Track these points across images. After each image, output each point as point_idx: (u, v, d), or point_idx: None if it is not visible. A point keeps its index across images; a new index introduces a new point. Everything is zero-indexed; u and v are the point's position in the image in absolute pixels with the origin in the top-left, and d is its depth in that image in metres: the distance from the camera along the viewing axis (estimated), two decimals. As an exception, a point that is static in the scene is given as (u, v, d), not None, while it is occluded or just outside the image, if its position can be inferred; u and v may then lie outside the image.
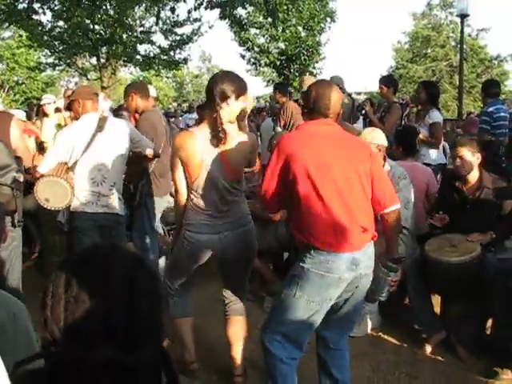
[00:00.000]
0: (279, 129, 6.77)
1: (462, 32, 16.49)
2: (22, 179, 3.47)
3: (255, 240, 3.40)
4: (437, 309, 4.17)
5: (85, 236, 4.00)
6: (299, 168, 2.69)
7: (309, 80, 6.20)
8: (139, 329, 1.12)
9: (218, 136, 3.06)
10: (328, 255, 2.68)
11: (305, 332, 2.84)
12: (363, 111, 6.88)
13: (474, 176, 4.15)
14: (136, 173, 4.71)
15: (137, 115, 5.13)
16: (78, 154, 4.00)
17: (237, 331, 3.53)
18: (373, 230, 2.84)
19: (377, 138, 4.30)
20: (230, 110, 3.07)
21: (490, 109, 6.45)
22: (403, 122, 6.58)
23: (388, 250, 3.10)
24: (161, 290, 1.24)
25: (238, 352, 3.51)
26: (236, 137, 3.17)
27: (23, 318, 1.73)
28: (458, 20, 17.75)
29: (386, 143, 4.37)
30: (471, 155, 4.07)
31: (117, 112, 6.70)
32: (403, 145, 5.05)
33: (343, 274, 2.69)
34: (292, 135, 2.99)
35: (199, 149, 3.11)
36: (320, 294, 2.72)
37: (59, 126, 6.81)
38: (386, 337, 4.21)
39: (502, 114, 6.51)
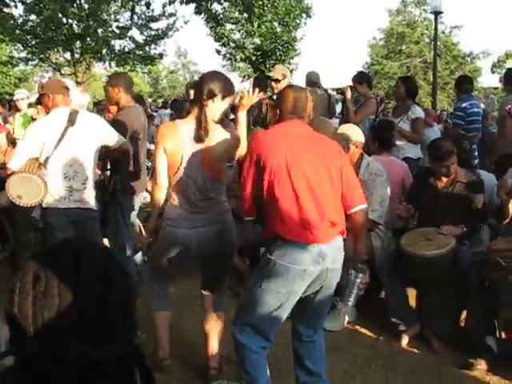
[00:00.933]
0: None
1: (435, 29, 16.70)
2: None
3: (233, 238, 3.40)
4: (412, 302, 4.21)
5: (59, 232, 3.93)
6: (274, 162, 2.74)
7: (282, 69, 6.19)
8: (111, 324, 1.09)
9: (200, 132, 3.09)
10: (295, 247, 2.70)
11: (272, 323, 2.86)
12: (341, 95, 6.78)
13: (452, 172, 4.18)
14: (111, 167, 4.68)
15: (114, 108, 5.07)
16: (49, 149, 3.94)
17: (214, 326, 3.53)
18: (342, 225, 2.86)
19: (355, 134, 4.33)
20: (214, 109, 3.12)
21: (464, 104, 6.53)
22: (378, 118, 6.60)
23: (355, 250, 3.15)
24: (133, 285, 1.21)
25: (214, 347, 3.52)
26: (218, 134, 3.18)
27: None
28: (432, 17, 17.91)
29: (363, 139, 4.40)
30: (454, 159, 4.10)
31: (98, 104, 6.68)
32: (379, 140, 5.07)
33: (308, 266, 2.71)
34: (265, 133, 3.06)
35: (182, 141, 3.13)
36: (285, 286, 2.74)
37: (26, 121, 6.70)
38: (362, 330, 4.24)
39: (476, 110, 6.61)
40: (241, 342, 2.88)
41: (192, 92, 3.38)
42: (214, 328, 3.52)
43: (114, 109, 5.49)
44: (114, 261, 1.17)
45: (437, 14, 16.14)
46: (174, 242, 3.31)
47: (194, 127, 3.13)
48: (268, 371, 2.96)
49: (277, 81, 5.90)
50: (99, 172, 4.82)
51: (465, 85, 6.84)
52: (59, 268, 1.10)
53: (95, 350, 1.05)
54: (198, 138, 3.11)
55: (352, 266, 3.08)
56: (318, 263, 2.73)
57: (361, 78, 6.54)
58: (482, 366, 3.59)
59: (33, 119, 6.30)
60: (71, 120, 4.00)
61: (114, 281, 1.13)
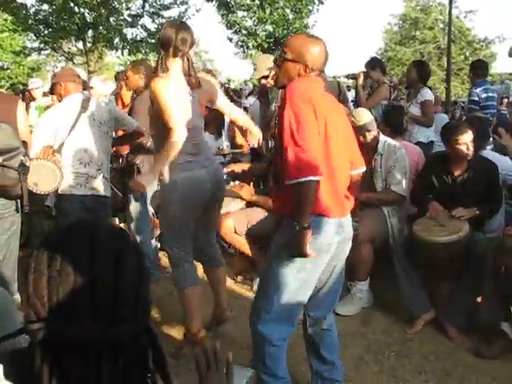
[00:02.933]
0: None
1: (450, 14, 16.54)
2: (28, 163, 3.42)
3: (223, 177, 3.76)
4: (426, 288, 4.18)
5: (72, 218, 3.96)
6: (326, 131, 2.61)
7: (265, 62, 5.29)
8: (125, 304, 1.10)
9: (192, 80, 3.38)
10: (319, 220, 2.64)
11: (298, 304, 2.80)
12: (353, 80, 6.72)
13: (466, 160, 4.13)
14: (131, 151, 4.72)
15: (128, 93, 5.11)
16: (63, 136, 3.97)
17: (219, 280, 3.81)
18: (352, 197, 2.86)
19: (366, 120, 4.35)
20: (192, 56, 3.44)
21: (479, 89, 6.47)
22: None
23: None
24: (147, 266, 1.21)
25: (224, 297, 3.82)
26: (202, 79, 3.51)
27: (6, 304, 1.70)
28: (446, 2, 17.70)
29: (371, 120, 4.43)
30: (471, 140, 4.05)
31: None
32: (391, 125, 5.02)
33: (332, 239, 2.69)
34: (315, 94, 2.69)
35: (174, 92, 3.28)
36: (311, 261, 2.65)
37: (41, 109, 6.75)
38: (376, 316, 4.23)
39: (490, 95, 6.54)
40: (263, 334, 2.77)
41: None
42: (219, 282, 3.83)
43: (128, 94, 5.51)
44: (128, 241, 1.17)
45: (451, -2, 15.95)
46: (191, 188, 3.36)
47: (183, 77, 3.37)
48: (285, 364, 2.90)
49: (265, 77, 5.16)
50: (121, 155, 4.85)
51: (480, 69, 6.77)
52: (74, 247, 1.10)
53: (109, 329, 1.05)
54: (192, 86, 3.37)
55: None
56: (339, 234, 2.72)
57: (374, 64, 6.49)
58: (496, 352, 3.57)
59: (47, 109, 6.34)
60: (84, 106, 4.04)
61: (129, 261, 1.13)
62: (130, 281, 1.11)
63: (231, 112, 3.93)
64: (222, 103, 3.82)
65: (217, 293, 3.84)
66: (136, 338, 1.10)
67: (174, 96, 3.25)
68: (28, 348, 1.11)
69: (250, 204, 4.86)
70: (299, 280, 2.70)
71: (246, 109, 9.55)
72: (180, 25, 3.45)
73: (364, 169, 2.99)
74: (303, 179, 2.44)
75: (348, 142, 2.84)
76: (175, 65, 3.37)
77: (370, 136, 4.38)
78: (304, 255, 2.55)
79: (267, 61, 5.22)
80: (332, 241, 2.70)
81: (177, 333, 3.87)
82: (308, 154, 2.47)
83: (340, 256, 2.85)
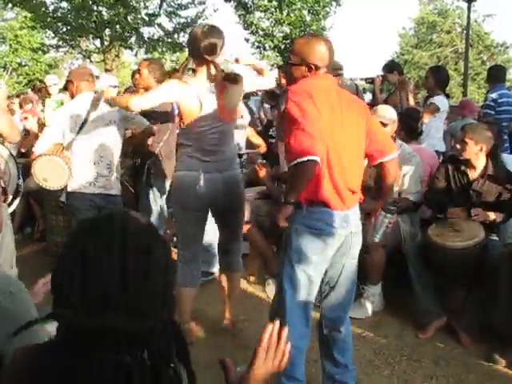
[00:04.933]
0: None
1: (468, 18, 16.38)
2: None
3: (242, 187, 3.64)
4: (439, 293, 4.16)
5: (82, 216, 4.00)
6: (320, 121, 2.61)
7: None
8: (155, 295, 1.12)
9: (219, 84, 3.27)
10: (323, 212, 2.67)
11: (308, 303, 2.80)
12: (371, 84, 6.71)
13: (480, 164, 4.10)
14: (141, 151, 4.73)
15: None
16: (72, 134, 4.01)
17: (234, 286, 3.79)
18: (360, 193, 2.88)
19: (388, 114, 4.41)
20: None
21: (495, 94, 6.43)
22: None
23: (385, 195, 3.14)
24: (173, 261, 1.22)
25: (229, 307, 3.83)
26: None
27: (20, 292, 1.71)
28: (465, 5, 17.56)
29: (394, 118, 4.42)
30: (473, 144, 4.02)
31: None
32: (406, 128, 4.92)
33: (337, 229, 2.70)
34: (312, 85, 2.73)
35: (196, 95, 3.30)
36: (316, 253, 2.69)
37: (59, 103, 6.80)
38: (387, 320, 4.21)
39: (506, 100, 6.48)
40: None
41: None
42: (233, 288, 3.82)
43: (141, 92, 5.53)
44: (157, 235, 1.18)
45: (470, 2, 15.81)
46: (199, 192, 3.36)
47: (205, 82, 3.33)
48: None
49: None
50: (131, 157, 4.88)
51: (497, 74, 6.73)
52: (106, 241, 1.12)
53: (139, 320, 1.07)
54: (218, 90, 3.30)
55: (384, 210, 3.09)
56: (344, 227, 2.73)
57: (392, 67, 6.49)
58: (509, 359, 3.54)
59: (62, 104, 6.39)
60: (94, 105, 4.07)
61: (157, 254, 1.15)
62: (159, 273, 1.13)
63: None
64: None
65: (228, 297, 3.85)
66: (163, 329, 1.12)
67: (177, 94, 3.30)
68: (49, 342, 1.12)
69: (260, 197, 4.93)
70: (308, 274, 2.73)
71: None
72: (209, 30, 3.32)
73: (396, 154, 2.99)
74: (301, 159, 2.48)
75: (360, 138, 2.83)
76: (202, 70, 3.35)
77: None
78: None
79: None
80: (336, 233, 2.71)
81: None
82: (307, 137, 2.50)
83: (350, 252, 2.85)
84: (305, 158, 2.46)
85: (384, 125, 4.35)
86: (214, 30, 3.30)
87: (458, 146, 4.06)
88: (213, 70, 3.31)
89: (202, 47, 3.23)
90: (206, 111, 3.31)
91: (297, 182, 2.55)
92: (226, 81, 3.21)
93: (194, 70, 3.44)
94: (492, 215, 3.95)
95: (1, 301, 1.62)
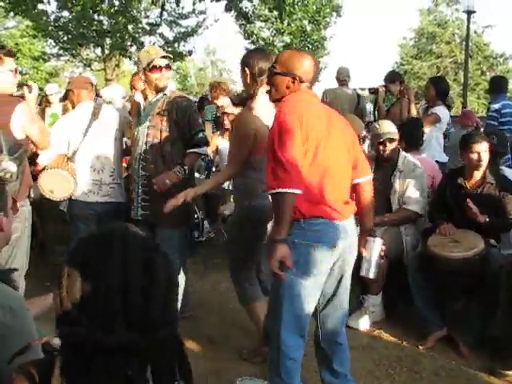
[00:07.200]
0: None
1: (468, 28, 16.47)
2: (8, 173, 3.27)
3: None
4: (439, 304, 4.15)
5: (82, 224, 4.08)
6: (314, 138, 2.63)
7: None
8: (156, 311, 1.11)
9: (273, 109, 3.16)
10: (321, 224, 2.66)
11: (306, 315, 2.77)
12: (374, 95, 6.73)
13: (479, 172, 4.11)
14: None
15: None
16: (75, 143, 4.06)
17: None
18: (353, 204, 2.89)
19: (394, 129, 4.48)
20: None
21: (497, 105, 6.46)
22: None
23: (367, 220, 3.06)
24: (175, 274, 1.22)
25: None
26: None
27: (21, 309, 1.70)
28: (464, 16, 17.67)
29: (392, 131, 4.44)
30: (486, 152, 4.03)
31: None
32: (407, 138, 4.88)
33: (336, 241, 2.69)
34: (303, 104, 2.74)
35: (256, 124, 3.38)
36: (315, 266, 2.66)
37: (55, 116, 6.83)
38: (388, 331, 4.19)
39: (509, 110, 6.50)
40: (280, 348, 2.73)
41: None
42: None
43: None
44: (157, 250, 1.18)
45: (469, 13, 15.92)
46: (264, 217, 3.42)
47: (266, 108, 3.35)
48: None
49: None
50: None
51: (499, 85, 6.76)
52: (107, 254, 1.12)
53: (140, 335, 1.06)
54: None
55: (369, 234, 3.05)
56: (343, 238, 2.72)
57: (394, 77, 6.51)
58: (510, 371, 3.53)
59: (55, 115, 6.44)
60: (95, 114, 4.10)
61: (158, 269, 1.15)
62: (160, 288, 1.13)
63: None
64: None
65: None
66: (165, 345, 1.11)
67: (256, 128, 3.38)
68: (48, 358, 1.12)
69: None
70: (306, 287, 2.69)
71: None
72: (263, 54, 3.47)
73: (371, 176, 3.01)
74: (279, 190, 2.49)
75: (349, 150, 2.85)
76: (261, 92, 3.38)
77: (390, 146, 4.39)
78: (274, 268, 2.54)
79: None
80: (336, 244, 2.70)
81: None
82: (287, 165, 2.50)
83: (348, 263, 2.85)
84: (283, 190, 2.49)
85: (392, 140, 4.39)
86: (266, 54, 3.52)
87: (476, 158, 4.05)
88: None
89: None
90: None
91: (279, 217, 2.55)
92: None
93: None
94: (485, 218, 3.94)
95: (1, 317, 1.60)
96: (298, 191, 2.52)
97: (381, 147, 4.41)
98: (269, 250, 2.68)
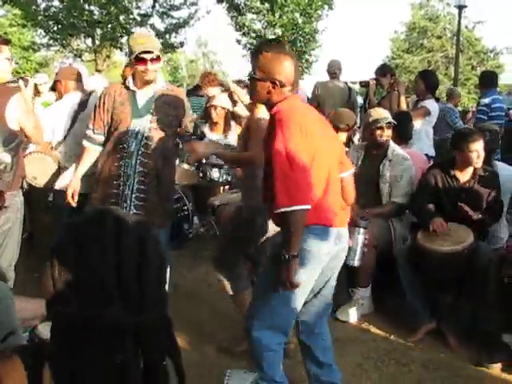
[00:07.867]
0: None
1: (459, 23, 16.56)
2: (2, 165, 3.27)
3: None
4: (428, 297, 4.17)
5: (66, 215, 4.01)
6: (314, 147, 2.61)
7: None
8: (150, 288, 1.11)
9: None
10: (317, 231, 2.65)
11: (292, 315, 2.80)
12: (365, 88, 6.74)
13: (472, 167, 4.12)
14: None
15: None
16: (59, 133, 4.02)
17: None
18: (348, 209, 2.89)
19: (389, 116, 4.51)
20: None
21: (487, 99, 6.48)
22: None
23: (351, 211, 3.07)
24: (165, 256, 1.21)
25: None
26: None
27: (5, 298, 1.69)
28: (456, 11, 17.69)
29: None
30: (482, 148, 4.04)
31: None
32: (397, 131, 4.78)
33: (330, 248, 2.70)
34: (299, 112, 2.71)
35: None
36: (306, 273, 2.65)
37: (46, 105, 6.80)
38: (376, 323, 4.20)
39: (498, 105, 6.53)
40: (260, 341, 2.76)
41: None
42: None
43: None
44: (149, 232, 1.18)
45: (461, 8, 15.98)
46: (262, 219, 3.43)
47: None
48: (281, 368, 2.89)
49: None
50: None
51: (489, 79, 6.79)
52: (101, 234, 1.12)
53: (136, 314, 1.06)
54: None
55: (355, 225, 3.05)
56: (337, 244, 2.73)
57: (385, 70, 6.52)
58: (497, 363, 3.55)
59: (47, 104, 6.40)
60: (82, 105, 4.07)
61: (150, 246, 1.14)
62: (153, 265, 1.13)
63: None
64: None
65: None
66: (156, 324, 1.10)
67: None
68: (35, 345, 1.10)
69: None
70: (294, 291, 2.66)
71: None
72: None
73: (353, 170, 3.00)
74: (293, 208, 2.46)
75: (336, 148, 2.85)
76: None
77: (388, 132, 4.42)
78: (290, 285, 2.53)
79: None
80: (330, 250, 2.71)
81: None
82: (300, 182, 2.49)
83: (335, 266, 2.86)
84: (296, 208, 2.46)
85: (390, 126, 4.40)
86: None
87: (474, 157, 4.04)
88: None
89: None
90: None
91: (293, 236, 2.50)
92: None
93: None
94: (478, 215, 3.96)
95: None
96: (309, 206, 2.50)
97: (378, 132, 4.38)
98: (276, 261, 2.62)
